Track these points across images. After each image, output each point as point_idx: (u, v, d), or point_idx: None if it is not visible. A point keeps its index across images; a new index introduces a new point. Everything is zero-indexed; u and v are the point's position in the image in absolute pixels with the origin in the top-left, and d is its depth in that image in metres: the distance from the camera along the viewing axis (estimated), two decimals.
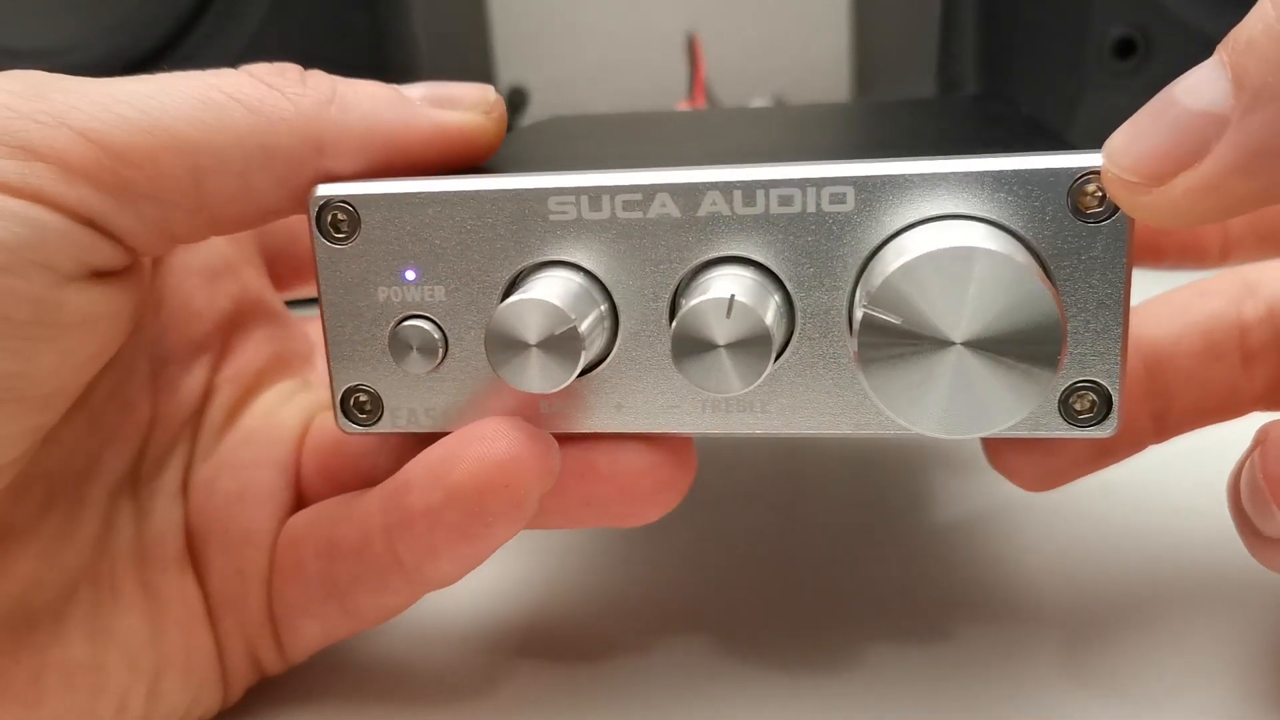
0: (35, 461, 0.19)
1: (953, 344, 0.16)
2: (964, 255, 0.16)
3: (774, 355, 0.17)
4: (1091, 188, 0.16)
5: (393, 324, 0.19)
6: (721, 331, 0.17)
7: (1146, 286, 0.21)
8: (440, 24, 0.55)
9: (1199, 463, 0.25)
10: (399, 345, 0.19)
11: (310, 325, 0.25)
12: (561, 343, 0.17)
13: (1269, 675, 0.21)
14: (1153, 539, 0.26)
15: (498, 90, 0.21)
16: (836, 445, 0.33)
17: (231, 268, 0.23)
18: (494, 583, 0.26)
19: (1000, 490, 0.29)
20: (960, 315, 0.16)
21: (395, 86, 0.20)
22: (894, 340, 0.16)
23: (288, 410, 0.23)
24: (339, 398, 0.20)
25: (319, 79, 0.19)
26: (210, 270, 0.22)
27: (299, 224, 0.19)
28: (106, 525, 0.20)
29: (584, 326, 0.17)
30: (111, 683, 0.19)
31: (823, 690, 0.22)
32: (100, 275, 0.18)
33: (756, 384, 0.17)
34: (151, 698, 0.20)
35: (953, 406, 0.16)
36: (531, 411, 0.19)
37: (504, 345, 0.17)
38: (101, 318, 0.18)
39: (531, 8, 0.68)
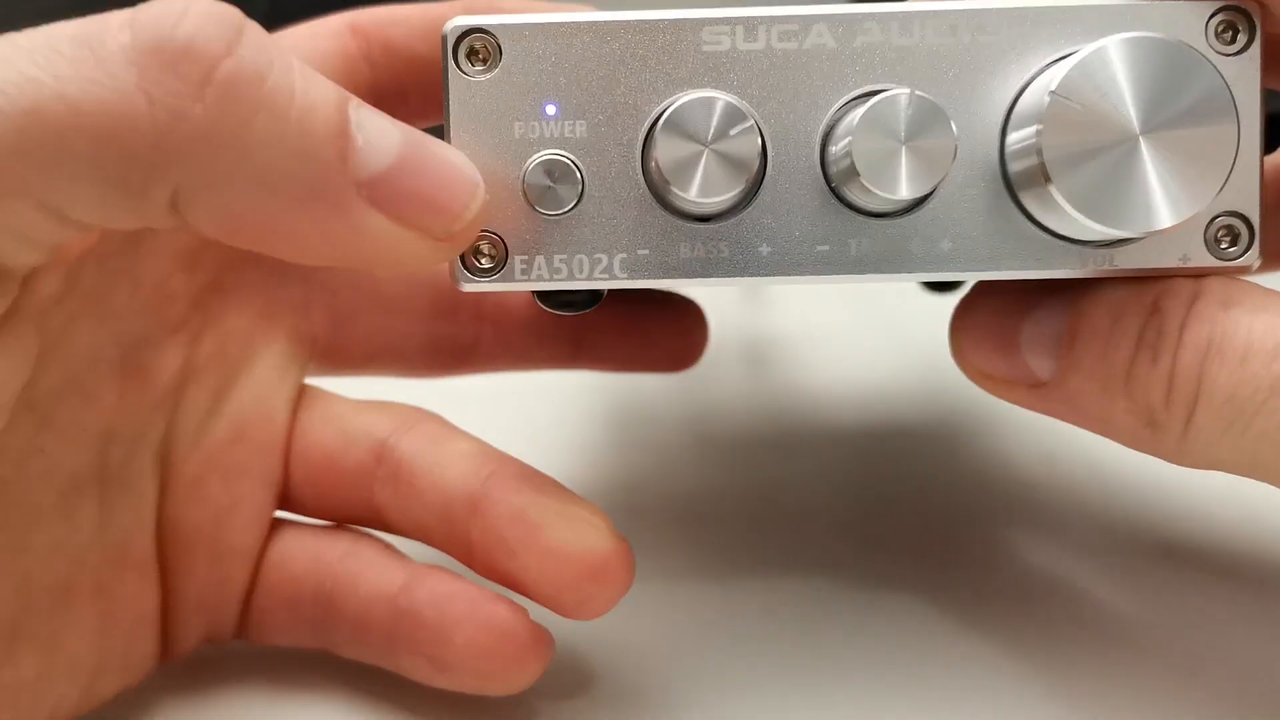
0: None
1: (1135, 135, 0.16)
2: (1136, 43, 0.16)
3: (952, 160, 0.17)
4: (1219, 22, 0.17)
5: (528, 161, 0.18)
6: (902, 127, 0.16)
7: None
8: None
9: None
10: (535, 183, 0.18)
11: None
12: (736, 144, 0.17)
13: None
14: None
15: None
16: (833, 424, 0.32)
17: None
18: None
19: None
20: (1139, 105, 0.16)
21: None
22: (1076, 137, 0.16)
23: (279, 396, 0.22)
24: None
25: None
26: (190, 250, 0.21)
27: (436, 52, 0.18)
28: (67, 527, 0.19)
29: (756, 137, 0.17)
30: (52, 694, 0.19)
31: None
32: None
33: (932, 189, 0.17)
34: (84, 697, 0.20)
35: (1146, 198, 0.16)
36: (671, 256, 0.18)
37: (678, 142, 0.17)
38: None
39: None
